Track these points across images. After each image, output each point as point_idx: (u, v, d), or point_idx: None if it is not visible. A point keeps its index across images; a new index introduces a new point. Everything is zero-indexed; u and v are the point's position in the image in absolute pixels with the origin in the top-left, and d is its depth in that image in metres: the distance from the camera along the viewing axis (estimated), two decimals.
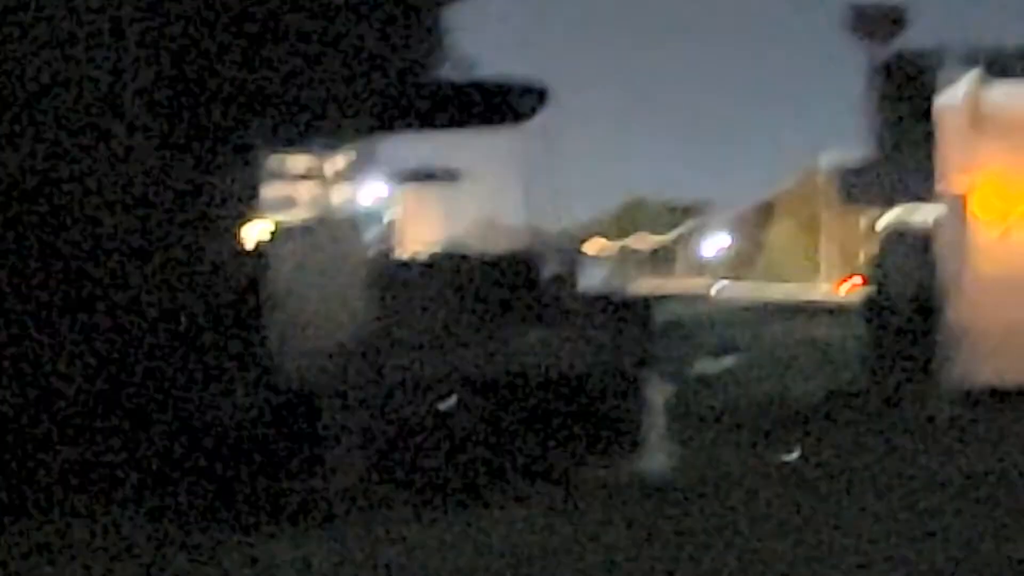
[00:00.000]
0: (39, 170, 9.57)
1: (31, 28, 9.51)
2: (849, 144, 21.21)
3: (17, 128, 9.53)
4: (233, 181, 10.86)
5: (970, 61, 14.59)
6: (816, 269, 45.01)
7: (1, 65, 9.44)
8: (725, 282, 46.97)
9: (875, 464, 11.54)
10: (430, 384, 10.87)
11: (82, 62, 9.71)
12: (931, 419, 13.66)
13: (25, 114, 9.56)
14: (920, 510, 9.65)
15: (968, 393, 13.94)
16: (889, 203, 15.69)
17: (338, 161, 18.61)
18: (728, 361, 19.48)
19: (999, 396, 13.89)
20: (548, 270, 12.91)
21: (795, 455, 11.96)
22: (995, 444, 12.42)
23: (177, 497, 9.50)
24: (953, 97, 14.42)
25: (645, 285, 37.12)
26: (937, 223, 14.49)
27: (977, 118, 14.38)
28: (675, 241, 58.05)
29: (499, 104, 13.20)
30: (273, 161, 13.89)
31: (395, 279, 12.27)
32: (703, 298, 39.07)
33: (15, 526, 8.98)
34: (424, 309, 11.94)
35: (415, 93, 12.92)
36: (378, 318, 11.44)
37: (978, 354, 14.04)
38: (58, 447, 9.40)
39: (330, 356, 10.87)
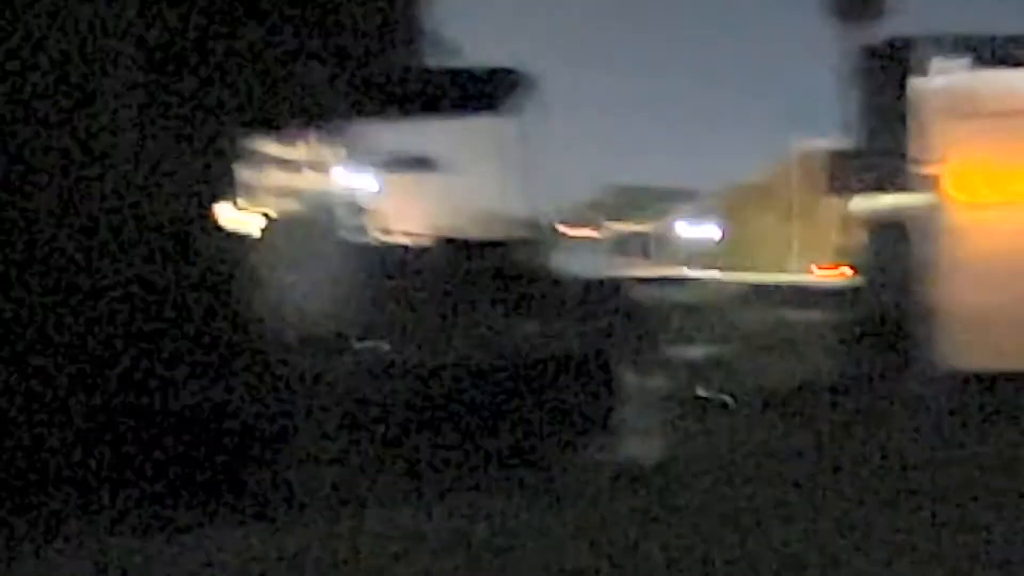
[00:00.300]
0: (12, 153, 9.54)
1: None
2: (830, 130, 21.24)
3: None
4: (215, 167, 10.84)
5: (951, 47, 14.61)
6: (797, 254, 45.02)
7: None
8: (706, 267, 46.95)
9: (857, 448, 11.58)
10: (412, 370, 10.87)
11: (61, 42, 9.67)
12: (913, 403, 13.70)
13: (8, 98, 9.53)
14: (904, 494, 9.68)
15: (950, 377, 13.98)
16: (870, 188, 15.70)
17: (320, 148, 18.57)
18: (707, 347, 19.49)
19: (981, 380, 13.92)
20: (530, 257, 12.91)
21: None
22: (978, 427, 12.47)
23: (157, 485, 9.49)
24: (934, 83, 14.44)
25: (628, 271, 37.10)
26: (918, 208, 14.52)
27: (958, 104, 14.41)
28: (657, 227, 58.01)
29: (481, 91, 13.19)
30: (255, 148, 13.84)
31: (377, 266, 12.27)
32: (685, 283, 39.06)
33: None
34: (406, 296, 11.94)
35: (397, 80, 12.90)
36: (361, 305, 11.43)
37: (960, 338, 14.07)
38: (34, 435, 9.37)
39: (313, 343, 10.86)
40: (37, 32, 9.50)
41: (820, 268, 38.11)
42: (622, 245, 52.96)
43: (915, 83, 14.52)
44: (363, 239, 18.07)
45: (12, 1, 9.49)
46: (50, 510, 9.08)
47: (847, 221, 16.34)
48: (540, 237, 13.01)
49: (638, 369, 11.52)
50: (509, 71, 12.83)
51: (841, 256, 18.11)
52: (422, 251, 14.17)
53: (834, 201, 26.77)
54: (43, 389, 9.44)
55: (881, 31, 15.62)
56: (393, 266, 12.45)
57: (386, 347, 11.04)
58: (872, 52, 15.49)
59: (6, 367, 9.38)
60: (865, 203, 15.79)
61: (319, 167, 20.04)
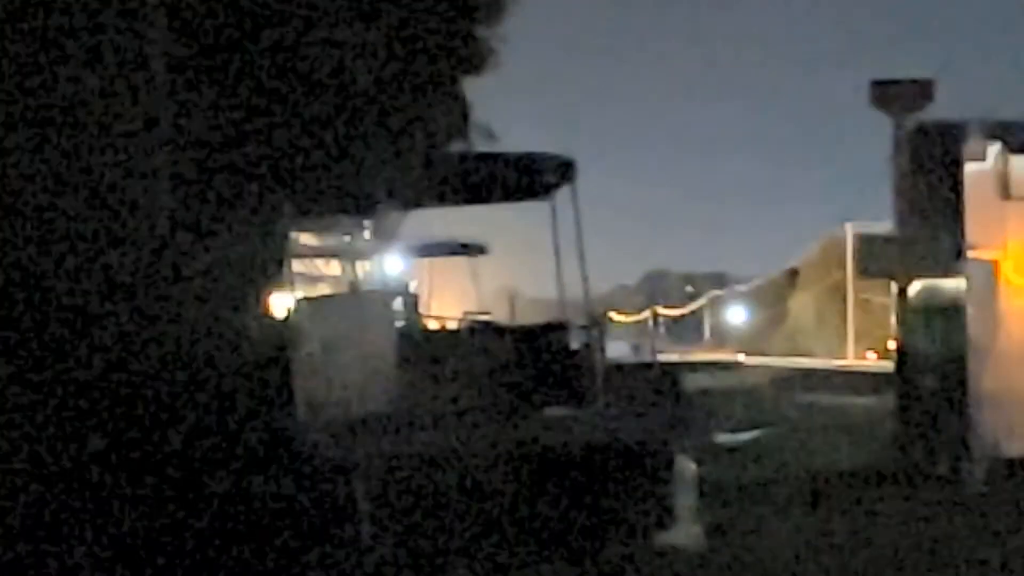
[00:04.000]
0: (60, 241, 9.59)
1: (65, 105, 9.56)
2: (873, 214, 21.19)
3: (40, 197, 9.56)
4: (261, 255, 10.88)
5: (995, 132, 14.58)
6: (842, 338, 44.77)
7: (36, 144, 9.48)
8: (756, 352, 46.75)
9: (905, 535, 11.46)
10: (458, 456, 10.83)
11: (108, 132, 9.75)
12: (962, 490, 13.56)
13: (44, 189, 9.59)
14: None
15: (1000, 463, 13.84)
16: (915, 273, 15.63)
17: (365, 234, 18.69)
18: (756, 432, 19.38)
19: None
20: (574, 341, 12.90)
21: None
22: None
23: (203, 573, 9.46)
24: (980, 167, 14.40)
25: (671, 355, 37.04)
26: (966, 291, 14.44)
27: (1006, 188, 14.37)
28: (700, 311, 57.91)
29: (525, 178, 13.23)
30: (301, 235, 13.93)
31: (422, 351, 12.28)
32: (729, 368, 38.90)
33: None
34: (451, 381, 11.94)
35: (440, 167, 12.96)
36: (406, 390, 11.44)
37: (1011, 423, 13.95)
38: (79, 522, 9.36)
39: (358, 428, 10.85)
40: (70, 115, 9.58)
41: (873, 353, 37.86)
42: (667, 329, 52.88)
43: (961, 168, 14.49)
44: (410, 323, 18.15)
45: (53, 96, 9.58)
46: None
47: (893, 305, 16.26)
48: (588, 322, 13.00)
49: (689, 455, 11.46)
50: (553, 157, 12.87)
51: (888, 340, 18.01)
52: (467, 335, 14.17)
53: (880, 285, 26.71)
54: (80, 472, 9.44)
55: (929, 115, 15.55)
56: (440, 350, 12.45)
57: (433, 432, 11.02)
58: (915, 138, 15.46)
59: (47, 446, 9.40)
60: (912, 287, 15.71)
61: (362, 254, 20.13)
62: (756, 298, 55.70)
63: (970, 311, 14.39)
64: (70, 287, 9.54)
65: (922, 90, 15.68)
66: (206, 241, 10.28)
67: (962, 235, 14.48)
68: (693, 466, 11.45)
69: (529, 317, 19.72)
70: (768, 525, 12.05)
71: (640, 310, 54.05)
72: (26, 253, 9.36)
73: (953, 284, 14.77)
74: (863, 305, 41.56)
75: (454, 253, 24.23)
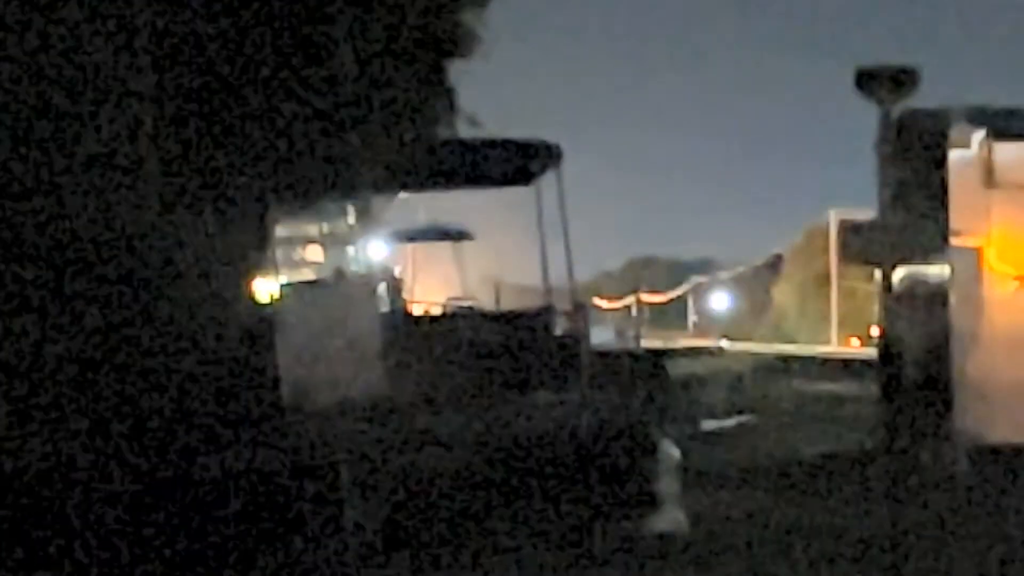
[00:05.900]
0: (47, 225, 9.57)
1: (46, 82, 9.54)
2: (858, 201, 21.17)
3: (27, 181, 9.54)
4: (246, 240, 10.86)
5: (979, 120, 14.57)
6: (826, 325, 44.81)
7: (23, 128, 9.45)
8: (740, 338, 46.77)
9: (888, 522, 11.47)
10: (443, 441, 10.84)
11: (94, 117, 9.72)
12: (945, 477, 13.58)
13: (34, 169, 9.57)
14: (935, 569, 9.59)
15: (983, 450, 13.87)
16: (899, 260, 15.61)
17: (349, 219, 18.66)
18: (739, 418, 19.41)
19: (1016, 452, 13.80)
20: (559, 327, 12.92)
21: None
22: (1013, 502, 12.34)
23: (188, 561, 9.45)
24: (965, 155, 14.41)
25: (655, 342, 37.03)
26: (950, 279, 14.46)
27: (990, 175, 14.38)
28: (684, 297, 57.96)
29: (513, 163, 13.25)
30: (286, 219, 13.91)
31: (406, 336, 12.29)
32: (713, 354, 38.91)
33: None
34: (435, 366, 11.95)
35: (425, 153, 12.95)
36: (389, 376, 11.44)
37: (993, 410, 13.97)
38: (63, 509, 9.35)
39: (342, 413, 10.85)
40: (52, 102, 9.56)
41: (856, 340, 37.89)
42: (651, 316, 52.92)
43: (945, 155, 14.49)
44: (394, 309, 18.13)
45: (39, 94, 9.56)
46: None
47: (877, 292, 16.26)
48: (572, 308, 13.02)
49: (672, 440, 11.49)
50: (540, 143, 12.88)
51: (871, 327, 18.01)
52: (452, 321, 14.18)
53: (863, 272, 26.72)
54: (74, 459, 9.43)
55: (910, 103, 15.53)
56: (424, 336, 12.46)
57: (417, 416, 11.02)
58: (900, 124, 15.44)
59: (38, 433, 9.39)
60: (896, 274, 15.72)
61: (346, 239, 20.10)
62: (740, 285, 55.71)
63: (954, 298, 14.40)
64: (56, 274, 9.53)
65: (907, 77, 15.64)
66: (191, 227, 10.27)
67: (946, 222, 14.49)
68: (676, 451, 11.47)
69: (514, 303, 19.71)
70: (750, 511, 12.07)
71: (624, 296, 54.04)
72: (10, 236, 9.35)
73: (937, 271, 14.77)
74: (847, 292, 41.60)
75: (438, 239, 24.25)
